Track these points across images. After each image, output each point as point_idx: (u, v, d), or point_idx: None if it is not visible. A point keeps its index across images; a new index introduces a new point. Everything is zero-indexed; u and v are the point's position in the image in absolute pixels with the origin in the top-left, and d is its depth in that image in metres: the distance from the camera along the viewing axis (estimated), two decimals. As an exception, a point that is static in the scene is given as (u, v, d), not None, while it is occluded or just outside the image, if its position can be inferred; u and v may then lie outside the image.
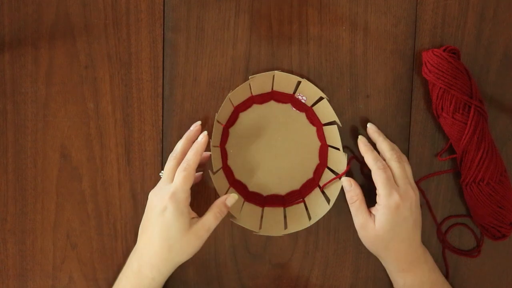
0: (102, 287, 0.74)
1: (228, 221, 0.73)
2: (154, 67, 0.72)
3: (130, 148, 0.73)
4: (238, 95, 0.71)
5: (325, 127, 0.72)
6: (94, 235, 0.73)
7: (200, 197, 0.73)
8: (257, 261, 0.74)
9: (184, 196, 0.65)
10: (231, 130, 0.73)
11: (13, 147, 0.72)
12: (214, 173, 0.70)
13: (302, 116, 0.73)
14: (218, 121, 0.70)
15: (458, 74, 0.68)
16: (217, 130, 0.71)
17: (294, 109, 0.73)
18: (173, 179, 0.66)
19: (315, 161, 0.74)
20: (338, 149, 0.71)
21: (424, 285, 0.68)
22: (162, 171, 0.69)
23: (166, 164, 0.68)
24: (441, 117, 0.70)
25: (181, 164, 0.66)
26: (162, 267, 0.66)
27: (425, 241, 0.74)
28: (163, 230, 0.65)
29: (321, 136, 0.73)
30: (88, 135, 0.73)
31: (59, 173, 0.73)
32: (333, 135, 0.71)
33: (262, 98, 0.73)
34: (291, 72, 0.72)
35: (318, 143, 0.73)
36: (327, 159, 0.73)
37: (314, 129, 0.73)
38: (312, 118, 0.73)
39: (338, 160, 0.71)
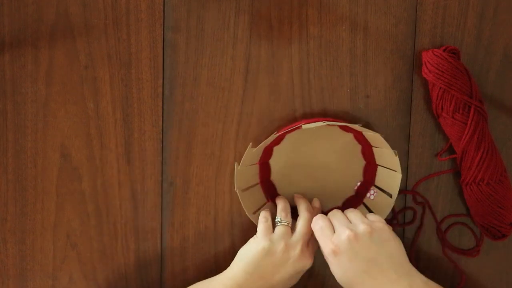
0: (102, 287, 0.74)
1: (228, 221, 0.73)
2: (154, 67, 0.72)
3: (130, 148, 0.73)
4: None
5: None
6: (94, 235, 0.73)
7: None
8: (257, 261, 0.74)
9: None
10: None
11: (13, 147, 0.72)
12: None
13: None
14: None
15: (458, 74, 0.68)
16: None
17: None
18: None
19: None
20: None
21: None
22: (279, 218, 0.68)
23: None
24: (441, 117, 0.70)
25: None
26: None
27: (425, 241, 0.74)
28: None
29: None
30: (88, 135, 0.72)
31: (59, 173, 0.73)
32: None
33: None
34: (291, 73, 0.72)
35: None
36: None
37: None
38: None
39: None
